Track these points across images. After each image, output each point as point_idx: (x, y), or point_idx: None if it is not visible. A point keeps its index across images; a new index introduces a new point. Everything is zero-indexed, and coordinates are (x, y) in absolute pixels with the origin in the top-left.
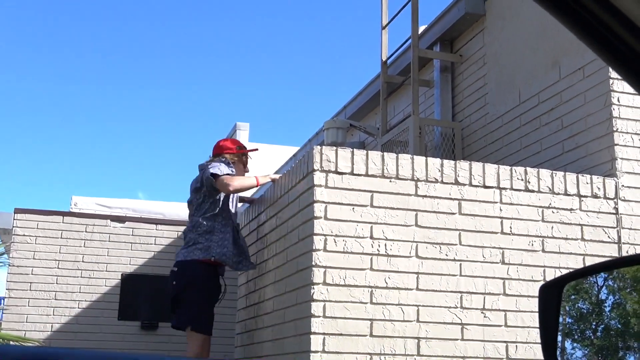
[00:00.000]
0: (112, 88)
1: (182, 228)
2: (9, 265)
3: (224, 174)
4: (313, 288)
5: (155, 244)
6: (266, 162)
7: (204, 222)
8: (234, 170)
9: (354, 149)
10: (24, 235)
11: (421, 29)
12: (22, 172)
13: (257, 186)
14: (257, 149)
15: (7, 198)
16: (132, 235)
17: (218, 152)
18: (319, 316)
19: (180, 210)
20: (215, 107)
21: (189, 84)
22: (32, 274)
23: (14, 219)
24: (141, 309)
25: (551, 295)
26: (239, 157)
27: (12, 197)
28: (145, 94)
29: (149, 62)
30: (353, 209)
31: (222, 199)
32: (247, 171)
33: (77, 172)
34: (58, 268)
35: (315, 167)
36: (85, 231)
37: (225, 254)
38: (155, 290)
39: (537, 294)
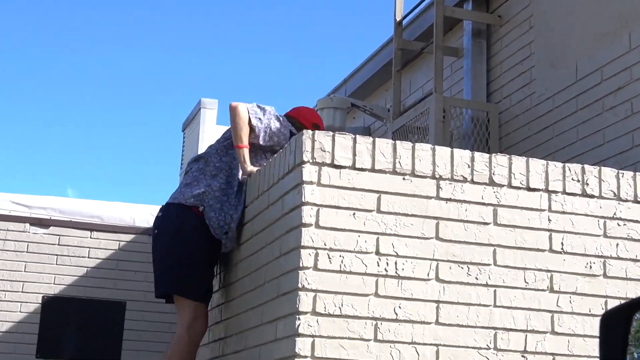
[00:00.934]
0: (32, 57)
1: (127, 237)
2: None
3: (248, 107)
4: (299, 319)
5: (88, 257)
6: None
7: (214, 162)
8: (279, 137)
9: (357, 136)
10: None
11: None
12: None
13: (244, 166)
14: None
15: None
16: (59, 244)
17: (291, 114)
18: (305, 356)
19: (125, 213)
20: (172, 83)
21: (137, 52)
22: None
23: None
24: (67, 343)
25: (616, 326)
26: None
27: None
28: (77, 66)
29: (75, 24)
30: (354, 214)
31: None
32: None
33: None
34: None
35: (305, 158)
36: None
37: (223, 217)
38: (86, 319)
39: (596, 332)
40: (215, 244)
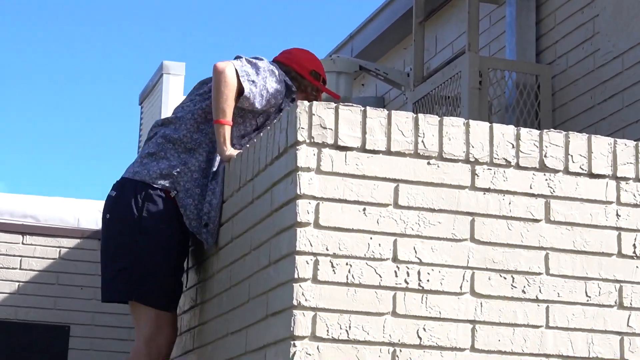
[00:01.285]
0: None
1: (70, 242)
2: None
3: (237, 68)
4: (294, 345)
5: (20, 269)
6: None
7: (191, 131)
8: (269, 90)
9: (367, 108)
10: None
11: None
12: None
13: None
14: (339, 97)
15: None
16: None
17: (282, 60)
18: None
19: (66, 212)
20: (124, 44)
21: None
22: None
23: None
24: None
25: None
26: (305, 86)
27: None
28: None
29: None
30: (364, 209)
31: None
32: None
33: None
34: None
35: (300, 138)
36: None
37: (202, 205)
38: (19, 348)
39: None
40: (185, 237)
